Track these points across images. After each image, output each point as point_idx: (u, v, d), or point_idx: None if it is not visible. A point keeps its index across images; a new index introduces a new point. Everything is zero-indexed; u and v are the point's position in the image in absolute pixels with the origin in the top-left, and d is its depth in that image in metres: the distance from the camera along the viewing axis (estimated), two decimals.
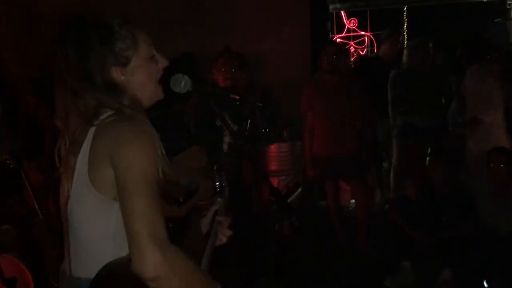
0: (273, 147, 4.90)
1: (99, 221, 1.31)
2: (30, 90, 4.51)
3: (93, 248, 1.34)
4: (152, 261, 1.19)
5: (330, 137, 4.21)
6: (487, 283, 3.45)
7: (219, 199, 1.83)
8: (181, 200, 2.08)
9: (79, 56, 1.34)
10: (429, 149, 4.52)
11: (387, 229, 4.06)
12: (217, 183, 1.85)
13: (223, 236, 1.75)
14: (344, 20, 10.16)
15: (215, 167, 1.91)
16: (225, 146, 3.05)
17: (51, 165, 1.47)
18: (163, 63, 1.45)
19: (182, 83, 1.60)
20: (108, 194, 1.30)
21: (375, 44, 10.48)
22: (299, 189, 5.09)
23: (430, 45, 4.66)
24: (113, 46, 1.35)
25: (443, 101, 4.59)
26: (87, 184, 1.31)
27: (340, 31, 10.02)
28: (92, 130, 1.33)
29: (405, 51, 6.19)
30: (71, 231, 1.39)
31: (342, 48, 5.25)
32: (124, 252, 1.28)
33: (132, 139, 1.26)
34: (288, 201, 4.75)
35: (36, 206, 3.22)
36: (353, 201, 5.31)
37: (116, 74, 1.37)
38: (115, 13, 1.39)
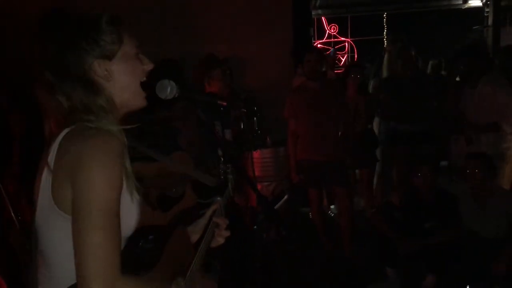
0: (256, 153, 4.88)
1: (62, 240, 1.23)
2: (3, 90, 4.37)
3: (56, 266, 1.28)
4: None
5: (313, 143, 4.24)
6: None
7: (218, 198, 1.79)
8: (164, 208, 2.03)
9: (59, 48, 1.29)
10: (412, 155, 4.53)
11: (371, 236, 4.05)
12: (221, 181, 1.80)
13: (220, 237, 1.72)
14: (325, 26, 10.25)
15: (221, 166, 1.85)
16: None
17: (23, 172, 1.42)
18: (147, 65, 1.40)
19: (168, 89, 1.56)
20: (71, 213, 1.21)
21: (356, 50, 10.60)
22: (285, 197, 5.08)
23: (413, 51, 4.68)
24: (98, 40, 1.30)
25: (426, 107, 4.60)
26: (51, 203, 1.23)
27: (321, 37, 10.10)
28: (61, 136, 1.26)
29: (385, 57, 6.27)
30: (39, 249, 1.32)
31: (323, 55, 5.26)
32: None
33: (93, 161, 1.16)
34: (275, 208, 4.73)
35: (12, 214, 3.14)
36: (333, 206, 5.32)
37: (99, 67, 1.31)
38: (104, 12, 1.35)
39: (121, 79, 1.33)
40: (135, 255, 1.31)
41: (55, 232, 1.26)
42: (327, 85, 4.41)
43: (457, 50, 4.39)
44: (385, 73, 6.13)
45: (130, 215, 1.28)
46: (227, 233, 1.70)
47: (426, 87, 4.70)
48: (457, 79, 4.74)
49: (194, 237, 1.66)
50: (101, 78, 1.31)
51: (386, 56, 6.28)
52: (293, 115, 4.30)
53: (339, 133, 4.41)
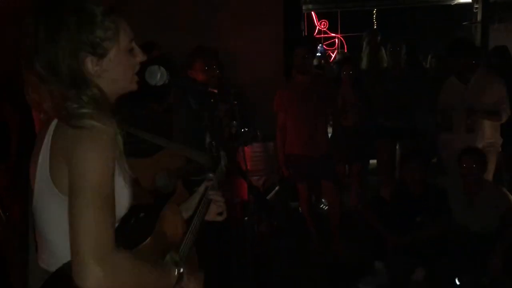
0: (246, 148, 4.86)
1: (62, 221, 1.25)
2: None
3: (56, 247, 1.31)
4: (94, 276, 1.15)
5: (301, 137, 4.24)
6: (459, 281, 3.49)
7: (211, 174, 1.77)
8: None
9: (50, 38, 1.26)
10: (400, 149, 4.55)
11: (361, 230, 4.07)
12: (211, 158, 1.79)
13: (217, 211, 1.73)
14: (315, 22, 10.26)
15: (212, 143, 1.83)
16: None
17: (18, 166, 1.41)
18: (140, 57, 1.40)
19: (158, 75, 1.54)
20: None
21: (345, 46, 10.62)
22: (277, 188, 5.07)
23: (403, 47, 4.68)
24: (92, 34, 1.28)
25: (415, 102, 4.60)
26: (49, 184, 1.27)
27: (311, 32, 10.10)
28: (52, 126, 1.28)
29: (364, 50, 6.27)
30: (38, 231, 1.35)
31: (313, 49, 5.26)
32: None
33: (88, 145, 1.20)
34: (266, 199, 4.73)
35: (0, 210, 3.10)
36: (324, 200, 5.33)
37: (91, 64, 1.29)
38: (100, 1, 1.32)
39: (112, 74, 1.33)
40: (127, 232, 1.32)
41: (52, 212, 1.29)
42: (316, 79, 4.41)
43: (451, 45, 4.37)
44: (363, 66, 6.13)
45: (122, 196, 1.31)
46: (223, 207, 1.72)
47: (415, 83, 4.71)
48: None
49: (186, 214, 1.66)
50: (92, 74, 1.30)
51: (365, 49, 6.28)
52: (282, 109, 4.30)
53: (328, 128, 4.42)
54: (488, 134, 4.13)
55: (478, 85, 4.09)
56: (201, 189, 1.74)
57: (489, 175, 4.06)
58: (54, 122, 1.28)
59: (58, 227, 1.27)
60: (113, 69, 1.33)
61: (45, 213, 1.31)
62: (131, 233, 1.33)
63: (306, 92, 4.20)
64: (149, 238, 1.34)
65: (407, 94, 4.59)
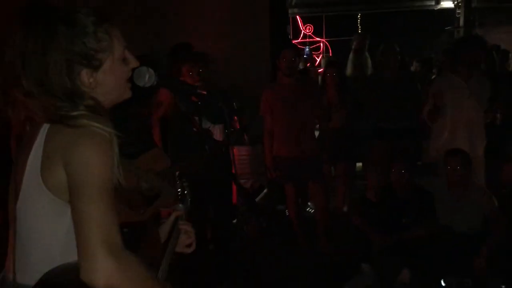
0: (234, 150, 4.86)
1: (50, 224, 1.24)
2: None
3: (40, 253, 1.26)
4: (105, 269, 1.13)
5: (288, 139, 4.25)
6: (444, 282, 3.52)
7: (180, 205, 1.79)
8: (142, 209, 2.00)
9: (39, 50, 1.22)
10: (389, 152, 4.57)
11: (347, 231, 4.08)
12: (179, 190, 1.80)
13: (188, 240, 1.72)
14: (301, 26, 10.31)
15: (176, 174, 1.85)
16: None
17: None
18: (133, 64, 1.39)
19: (146, 77, 1.53)
20: (61, 197, 1.23)
21: (330, 50, 10.69)
22: (265, 190, 5.08)
23: (398, 50, 4.71)
24: (86, 46, 1.25)
25: (409, 106, 4.63)
26: (39, 185, 1.23)
27: (296, 36, 10.16)
28: (45, 127, 1.25)
29: (351, 55, 6.33)
30: (18, 234, 1.29)
31: (299, 52, 5.29)
32: (72, 259, 1.20)
33: (87, 141, 1.19)
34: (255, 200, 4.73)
35: None
36: (310, 203, 5.35)
37: (86, 77, 1.27)
38: (91, 8, 1.28)
39: (107, 84, 1.32)
40: None
41: (38, 210, 1.25)
42: (302, 81, 4.43)
43: (456, 44, 4.38)
44: (349, 70, 6.18)
45: None
46: (193, 239, 1.72)
47: (410, 86, 4.75)
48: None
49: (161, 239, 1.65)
50: (86, 87, 1.28)
51: (351, 54, 6.34)
52: (268, 112, 4.31)
53: (315, 129, 4.43)
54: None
55: (476, 86, 4.11)
56: (171, 218, 1.73)
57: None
58: (46, 125, 1.25)
59: (42, 226, 1.25)
60: (108, 79, 1.31)
61: (31, 213, 1.27)
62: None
63: (292, 94, 4.22)
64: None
65: (402, 96, 4.62)
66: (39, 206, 1.25)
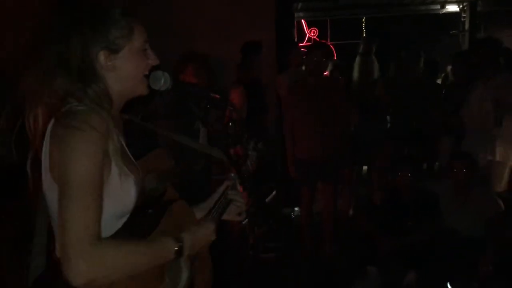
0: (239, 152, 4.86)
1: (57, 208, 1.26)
2: None
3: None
4: (77, 271, 1.16)
5: (309, 139, 4.17)
6: (450, 285, 3.52)
7: (232, 174, 1.75)
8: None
9: (64, 30, 1.30)
10: (394, 155, 4.56)
11: (353, 234, 4.09)
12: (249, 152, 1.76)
13: (237, 207, 1.71)
14: (305, 30, 10.33)
15: (245, 136, 1.81)
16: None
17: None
18: (153, 60, 1.43)
19: (162, 80, 1.55)
20: None
21: (335, 54, 10.70)
22: (273, 192, 5.07)
23: (421, 56, 4.72)
24: (108, 31, 1.32)
25: (424, 108, 4.62)
26: (47, 172, 1.29)
27: (301, 40, 10.17)
28: (51, 122, 1.29)
29: (357, 59, 6.33)
30: (52, 219, 1.36)
31: (328, 52, 5.28)
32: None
33: (73, 136, 1.21)
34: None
35: None
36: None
37: (104, 58, 1.33)
38: (119, 4, 1.36)
39: (124, 72, 1.37)
40: (133, 228, 1.32)
41: (53, 201, 1.29)
42: (325, 81, 4.39)
43: (475, 50, 4.34)
44: (356, 74, 6.17)
45: (123, 192, 1.30)
46: (243, 208, 1.71)
47: (428, 91, 4.75)
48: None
49: (201, 214, 1.63)
50: (103, 69, 1.34)
51: (358, 58, 6.32)
52: (289, 111, 4.25)
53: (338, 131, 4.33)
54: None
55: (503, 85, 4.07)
56: (221, 188, 1.73)
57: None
58: (51, 122, 1.30)
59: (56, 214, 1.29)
60: (124, 66, 1.36)
61: (53, 203, 1.30)
62: (138, 227, 1.33)
63: (315, 94, 4.15)
64: (154, 232, 1.34)
65: (421, 100, 4.61)
66: (52, 193, 1.29)
